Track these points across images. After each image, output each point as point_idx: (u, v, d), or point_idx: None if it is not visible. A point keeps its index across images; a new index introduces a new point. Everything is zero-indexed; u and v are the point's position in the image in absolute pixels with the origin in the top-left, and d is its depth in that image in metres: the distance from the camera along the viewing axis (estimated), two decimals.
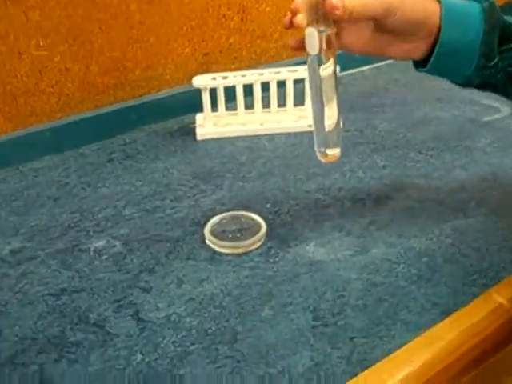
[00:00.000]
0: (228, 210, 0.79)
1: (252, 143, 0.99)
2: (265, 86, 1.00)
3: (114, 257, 0.72)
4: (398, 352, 0.56)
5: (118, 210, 0.82)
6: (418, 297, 0.63)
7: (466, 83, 0.65)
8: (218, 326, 0.60)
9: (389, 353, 0.56)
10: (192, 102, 1.04)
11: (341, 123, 0.66)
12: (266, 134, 1.01)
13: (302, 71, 1.00)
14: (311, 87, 0.64)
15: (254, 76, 1.00)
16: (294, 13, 0.58)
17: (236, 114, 1.02)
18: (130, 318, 0.62)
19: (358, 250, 0.71)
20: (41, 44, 0.93)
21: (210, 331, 0.60)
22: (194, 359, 0.57)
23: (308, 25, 0.58)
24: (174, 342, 0.59)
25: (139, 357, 0.57)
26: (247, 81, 0.99)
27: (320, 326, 0.60)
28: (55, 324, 0.62)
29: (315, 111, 0.64)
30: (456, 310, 0.61)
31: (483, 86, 0.65)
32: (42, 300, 0.65)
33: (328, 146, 0.65)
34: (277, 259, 0.70)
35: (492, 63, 0.62)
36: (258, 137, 1.01)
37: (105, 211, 0.81)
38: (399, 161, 0.91)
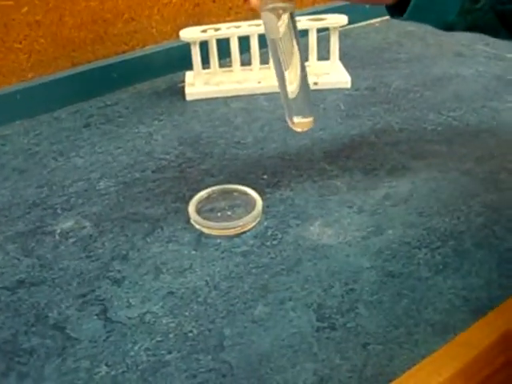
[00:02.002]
0: (218, 183, 0.68)
1: (248, 104, 0.87)
2: (263, 40, 0.87)
3: (82, 240, 0.61)
4: (423, 363, 0.45)
5: (91, 183, 0.70)
6: (445, 290, 0.52)
7: (448, 28, 0.57)
8: (200, 329, 0.50)
9: (411, 364, 0.45)
10: (181, 59, 0.92)
11: (309, 87, 0.58)
12: (265, 93, 0.89)
13: (304, 21, 0.87)
14: (269, 49, 0.57)
15: (252, 27, 0.87)
16: None
17: (230, 70, 0.90)
18: (95, 317, 0.52)
19: (371, 230, 0.60)
20: None
21: (190, 335, 0.49)
22: (171, 372, 0.46)
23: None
24: (146, 350, 0.48)
25: (104, 369, 0.47)
26: (243, 33, 0.87)
27: (326, 329, 0.49)
28: (7, 325, 0.52)
29: (277, 75, 0.58)
30: (492, 308, 0.49)
31: (469, 29, 0.57)
32: None
33: (295, 114, 0.58)
34: (274, 242, 0.59)
35: (479, 5, 0.54)
36: (255, 96, 0.89)
37: (76, 185, 0.70)
38: (417, 123, 0.80)
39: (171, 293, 0.53)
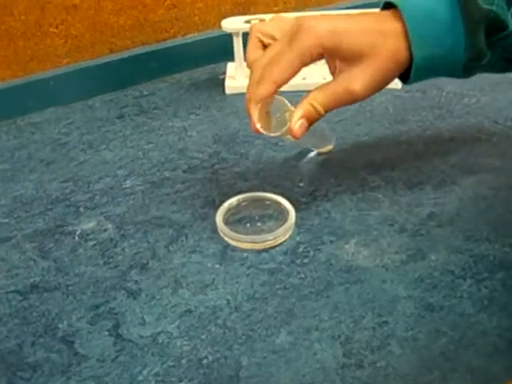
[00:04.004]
0: (251, 188, 0.64)
1: (291, 101, 0.82)
2: None
3: (102, 244, 0.58)
4: None
5: (118, 180, 0.67)
6: (489, 330, 0.47)
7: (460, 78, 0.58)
8: (216, 356, 0.46)
9: None
10: (223, 49, 0.87)
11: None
12: (309, 91, 0.83)
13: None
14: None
15: None
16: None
17: None
18: (106, 333, 0.48)
19: (412, 254, 0.55)
20: None
21: (205, 362, 0.45)
22: None
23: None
24: (156, 375, 0.44)
25: None
26: None
27: (352, 367, 0.44)
28: (14, 334, 0.49)
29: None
30: None
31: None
32: (6, 299, 0.52)
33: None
34: (305, 261, 0.54)
35: (483, 62, 0.54)
36: (298, 93, 0.83)
37: (103, 181, 0.67)
38: (470, 132, 0.73)
39: (189, 311, 0.50)
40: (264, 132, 0.55)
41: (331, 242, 0.56)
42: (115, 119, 0.80)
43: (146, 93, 0.86)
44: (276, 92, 0.54)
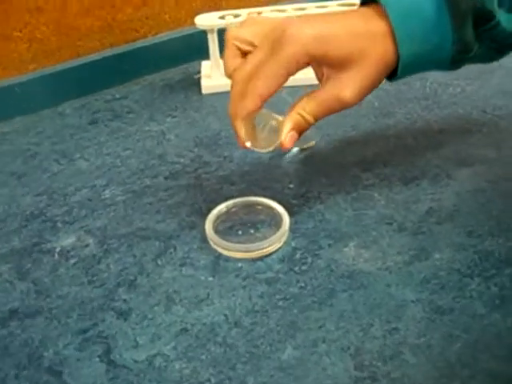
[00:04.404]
0: (239, 192, 0.60)
1: (270, 99, 0.79)
2: None
3: (84, 261, 0.54)
4: None
5: (96, 191, 0.63)
6: (503, 332, 0.44)
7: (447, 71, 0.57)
8: (219, 377, 0.42)
9: None
10: (196, 48, 0.84)
11: None
12: (289, 87, 0.80)
13: (333, 7, 0.79)
14: None
15: (274, 13, 0.79)
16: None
17: None
18: (97, 359, 0.44)
19: (415, 254, 0.52)
20: None
21: None
22: None
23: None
24: None
25: None
26: None
27: (366, 380, 0.41)
28: None
29: None
30: None
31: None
32: None
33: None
34: (304, 268, 0.51)
35: (471, 54, 0.53)
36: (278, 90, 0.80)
37: (79, 193, 0.63)
38: (459, 123, 0.71)
39: (185, 330, 0.46)
40: (254, 149, 0.52)
41: (329, 245, 0.54)
42: (88, 126, 0.76)
43: (118, 96, 0.82)
44: (262, 105, 0.51)
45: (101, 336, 0.46)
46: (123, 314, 0.48)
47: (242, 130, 0.51)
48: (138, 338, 0.46)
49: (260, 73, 0.50)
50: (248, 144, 0.52)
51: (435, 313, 0.46)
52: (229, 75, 0.53)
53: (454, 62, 0.53)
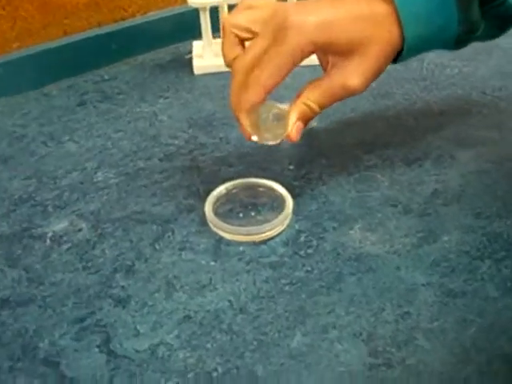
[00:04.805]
0: (237, 174, 0.58)
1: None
2: None
3: (78, 247, 0.51)
4: None
5: (87, 174, 0.60)
6: None
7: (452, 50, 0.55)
8: (227, 366, 0.40)
9: None
10: (187, 27, 0.81)
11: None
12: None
13: None
14: None
15: None
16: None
17: None
18: (96, 349, 0.42)
19: (423, 236, 0.50)
20: None
21: (215, 374, 0.40)
22: None
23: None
24: None
25: None
26: None
27: (381, 367, 0.40)
28: None
29: None
30: None
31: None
32: None
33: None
34: (309, 251, 0.49)
35: (477, 34, 0.51)
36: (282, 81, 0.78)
37: (70, 176, 0.60)
38: (459, 104, 0.70)
39: (188, 317, 0.44)
40: (260, 142, 0.51)
41: (334, 228, 0.52)
42: (76, 107, 0.73)
43: (107, 77, 0.79)
44: (266, 97, 0.48)
45: (99, 325, 0.44)
46: (122, 302, 0.46)
47: (247, 123, 0.49)
48: (138, 327, 0.43)
49: (263, 63, 0.47)
50: (254, 138, 0.50)
51: (447, 296, 0.45)
52: (228, 64, 0.51)
53: (460, 41, 0.51)
